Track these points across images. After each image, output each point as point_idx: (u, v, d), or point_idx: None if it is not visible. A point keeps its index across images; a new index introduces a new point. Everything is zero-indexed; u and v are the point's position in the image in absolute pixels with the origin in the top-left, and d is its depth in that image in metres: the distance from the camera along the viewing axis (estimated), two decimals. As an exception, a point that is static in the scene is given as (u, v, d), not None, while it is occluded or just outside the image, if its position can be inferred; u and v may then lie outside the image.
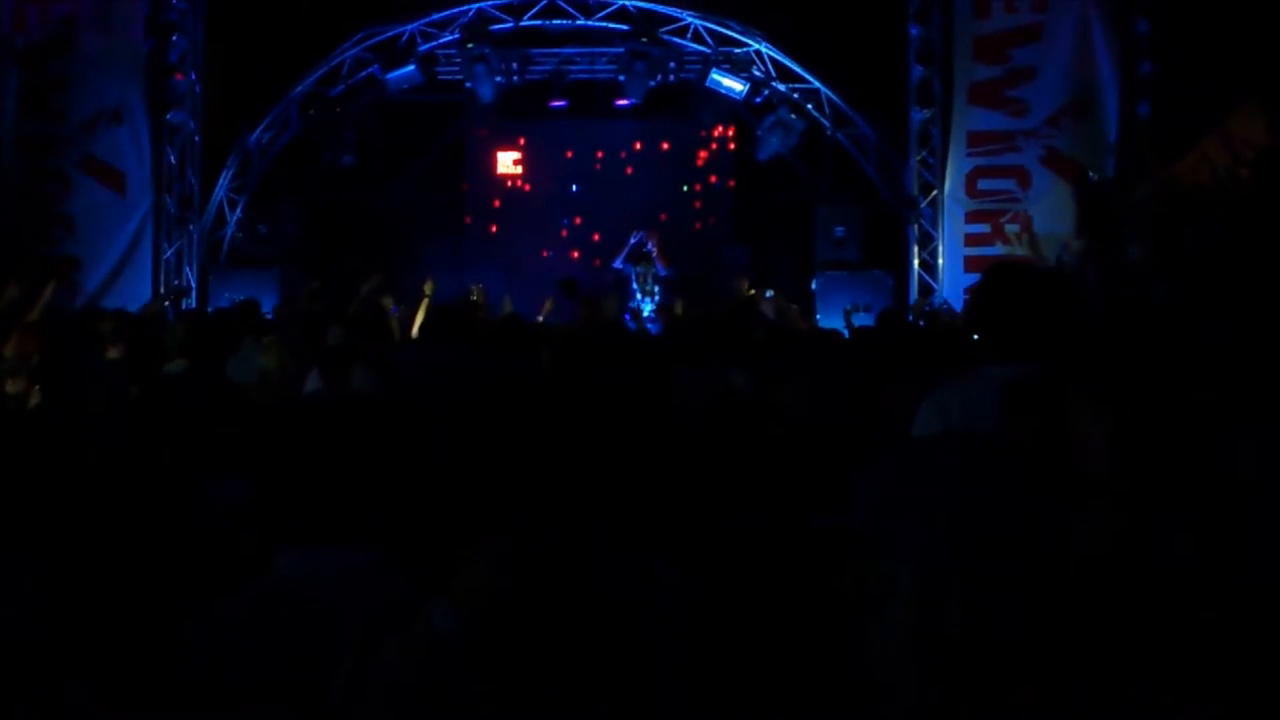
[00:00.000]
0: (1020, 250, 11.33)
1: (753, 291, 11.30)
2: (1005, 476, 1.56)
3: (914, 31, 12.51)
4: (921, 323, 9.58)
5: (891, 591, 1.52)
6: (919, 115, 12.61)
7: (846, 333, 8.20)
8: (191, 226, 13.03)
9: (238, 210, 13.63)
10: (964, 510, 1.53)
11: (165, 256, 12.73)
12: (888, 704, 1.50)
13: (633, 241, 12.81)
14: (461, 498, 2.27)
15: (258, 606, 2.10)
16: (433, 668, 1.84)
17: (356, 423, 2.37)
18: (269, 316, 8.94)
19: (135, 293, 12.14)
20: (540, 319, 10.54)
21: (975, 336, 3.12)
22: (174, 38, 12.39)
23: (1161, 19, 11.85)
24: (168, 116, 12.50)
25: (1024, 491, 1.55)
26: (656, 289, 12.81)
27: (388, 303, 8.35)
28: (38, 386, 5.03)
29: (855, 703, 1.55)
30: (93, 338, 7.13)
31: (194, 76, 12.78)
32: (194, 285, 13.07)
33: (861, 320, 9.83)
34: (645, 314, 12.52)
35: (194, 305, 12.86)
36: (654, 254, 12.60)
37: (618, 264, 12.97)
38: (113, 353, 6.72)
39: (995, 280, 3.02)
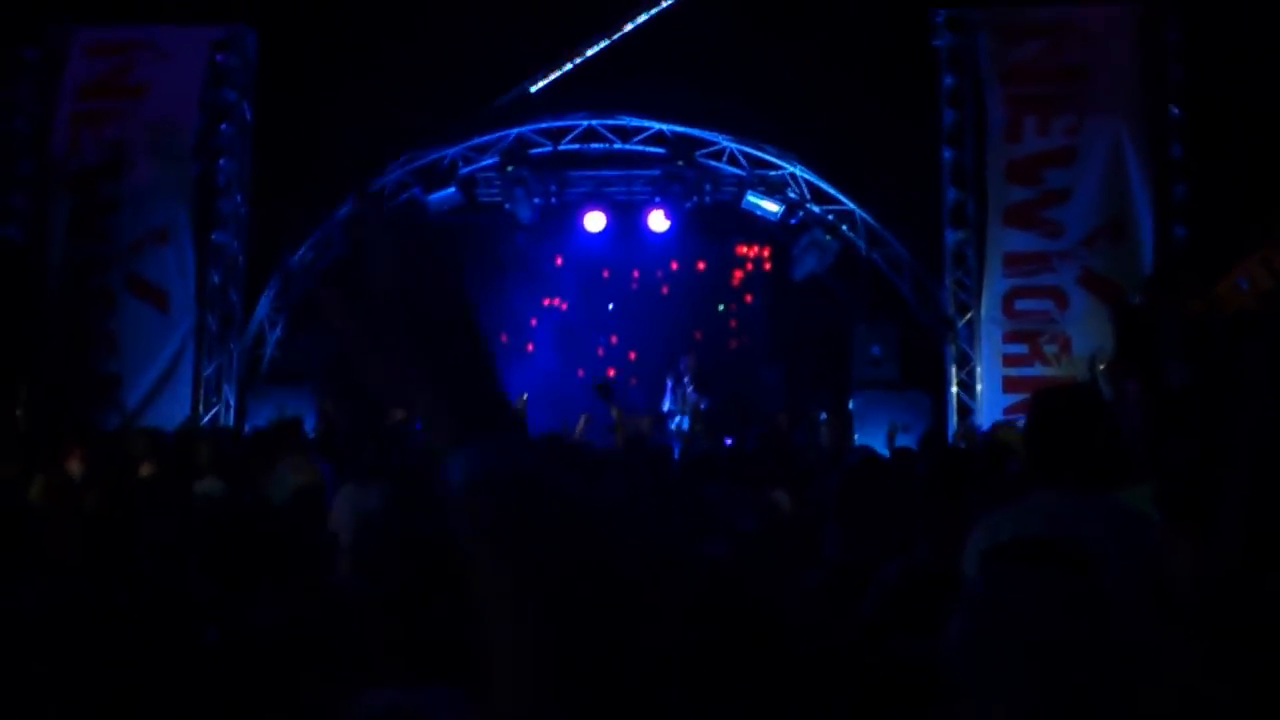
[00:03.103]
0: (1060, 371, 11.25)
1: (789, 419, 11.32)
2: (1096, 611, 1.50)
3: (947, 155, 12.60)
4: (963, 444, 9.48)
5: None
6: (953, 236, 12.64)
7: (887, 453, 8.12)
8: (232, 344, 13.14)
9: (278, 328, 13.78)
10: (1056, 648, 1.47)
11: (205, 374, 12.83)
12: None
13: (670, 384, 12.86)
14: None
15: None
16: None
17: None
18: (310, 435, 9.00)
19: (175, 410, 12.24)
20: (577, 433, 10.55)
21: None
22: (221, 161, 12.72)
23: (1194, 143, 11.94)
24: (213, 236, 12.72)
25: (1114, 628, 1.49)
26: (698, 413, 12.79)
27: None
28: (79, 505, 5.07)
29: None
30: (126, 457, 7.19)
31: (240, 199, 13.06)
32: (232, 403, 13.14)
33: (902, 440, 9.74)
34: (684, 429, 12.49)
35: (230, 422, 12.94)
36: (689, 390, 12.62)
37: (665, 407, 12.99)
38: (144, 470, 6.77)
39: (1043, 404, 2.97)
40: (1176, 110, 12.06)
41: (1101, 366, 9.28)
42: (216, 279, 12.84)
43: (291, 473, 4.78)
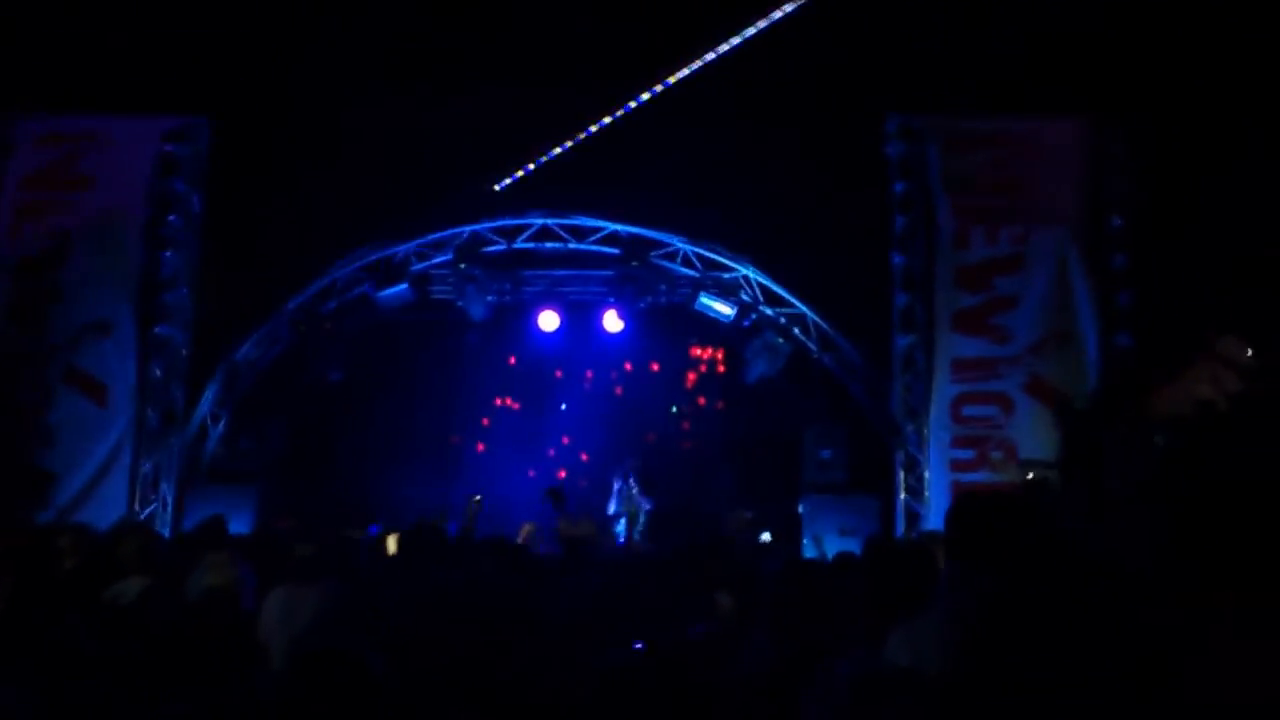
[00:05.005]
0: (1005, 477, 11.24)
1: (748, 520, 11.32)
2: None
3: (897, 260, 12.71)
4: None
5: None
6: (903, 340, 12.67)
7: (823, 558, 8.06)
8: (173, 440, 12.82)
9: (220, 425, 13.50)
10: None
11: (143, 470, 12.48)
12: None
13: (616, 487, 12.72)
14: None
15: None
16: None
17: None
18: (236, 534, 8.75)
19: (110, 507, 11.85)
20: (520, 540, 10.36)
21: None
22: (167, 253, 12.54)
23: (1139, 252, 12.13)
24: (156, 330, 12.50)
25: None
26: (641, 519, 12.68)
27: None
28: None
29: None
30: (50, 553, 6.94)
31: (185, 291, 12.84)
32: (170, 501, 12.79)
33: (838, 545, 9.69)
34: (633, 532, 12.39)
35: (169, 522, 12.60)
36: (635, 492, 12.51)
37: (611, 510, 12.84)
38: (69, 565, 6.54)
39: (959, 510, 2.95)
40: (1119, 221, 12.27)
41: (1030, 476, 9.31)
42: (159, 373, 12.57)
43: (207, 572, 4.61)
